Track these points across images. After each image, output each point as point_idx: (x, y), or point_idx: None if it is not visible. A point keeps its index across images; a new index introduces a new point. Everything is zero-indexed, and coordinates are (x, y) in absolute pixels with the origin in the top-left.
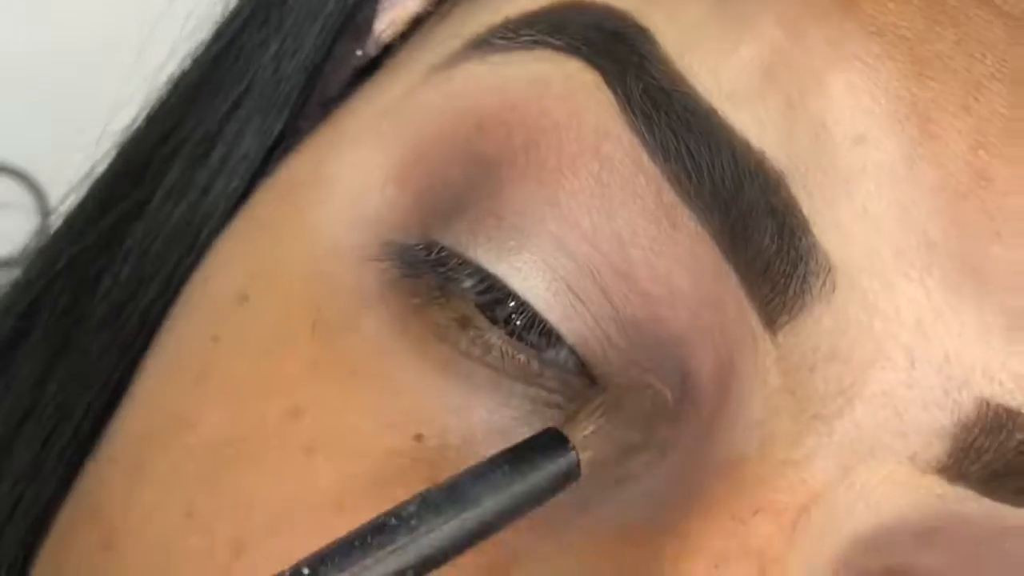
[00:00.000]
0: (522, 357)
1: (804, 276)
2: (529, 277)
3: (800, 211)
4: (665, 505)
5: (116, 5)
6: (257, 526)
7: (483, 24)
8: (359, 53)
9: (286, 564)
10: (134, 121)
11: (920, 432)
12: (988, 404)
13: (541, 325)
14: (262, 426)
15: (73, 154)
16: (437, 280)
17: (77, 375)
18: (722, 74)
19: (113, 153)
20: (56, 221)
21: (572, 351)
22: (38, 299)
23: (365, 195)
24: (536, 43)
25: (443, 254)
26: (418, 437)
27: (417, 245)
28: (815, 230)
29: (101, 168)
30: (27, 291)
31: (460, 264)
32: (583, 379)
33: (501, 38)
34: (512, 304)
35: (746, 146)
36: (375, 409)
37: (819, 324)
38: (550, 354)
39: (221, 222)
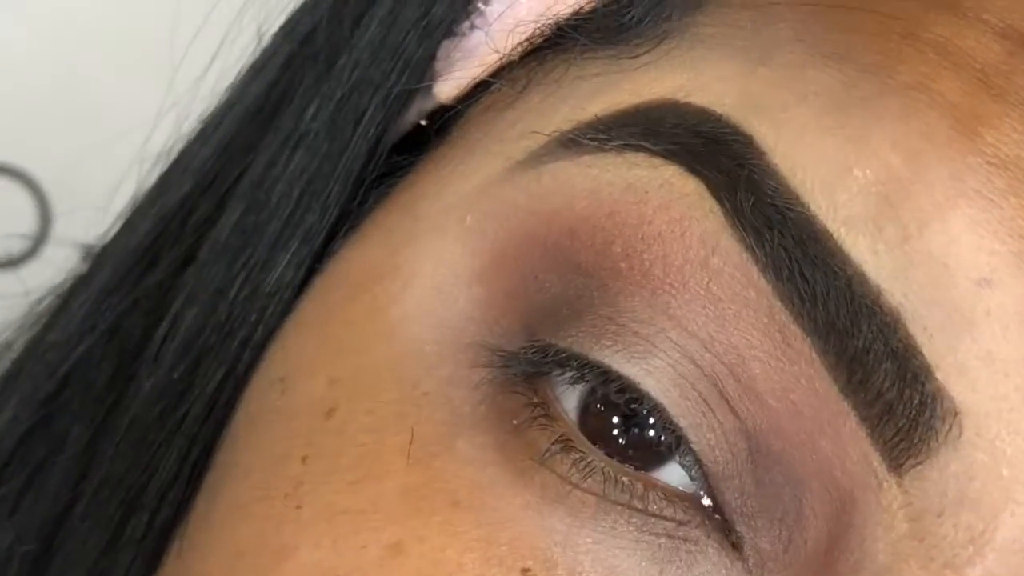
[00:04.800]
0: (626, 479)
1: (929, 421)
2: (662, 380)
3: (921, 354)
4: None
5: (116, 5)
6: None
7: (569, 120)
8: (414, 119)
9: None
10: (172, 170)
11: None
12: None
13: (666, 434)
14: (364, 562)
15: (73, 154)
16: (542, 393)
17: (132, 457)
18: (837, 196)
19: (150, 207)
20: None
21: (698, 459)
22: (73, 370)
23: (448, 294)
24: (629, 147)
25: (562, 355)
26: (525, 571)
27: (529, 349)
28: (938, 375)
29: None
30: (61, 352)
31: (584, 365)
32: (687, 504)
33: (591, 139)
34: (648, 406)
35: (862, 277)
36: (479, 544)
37: (946, 469)
38: (664, 472)
39: (286, 302)
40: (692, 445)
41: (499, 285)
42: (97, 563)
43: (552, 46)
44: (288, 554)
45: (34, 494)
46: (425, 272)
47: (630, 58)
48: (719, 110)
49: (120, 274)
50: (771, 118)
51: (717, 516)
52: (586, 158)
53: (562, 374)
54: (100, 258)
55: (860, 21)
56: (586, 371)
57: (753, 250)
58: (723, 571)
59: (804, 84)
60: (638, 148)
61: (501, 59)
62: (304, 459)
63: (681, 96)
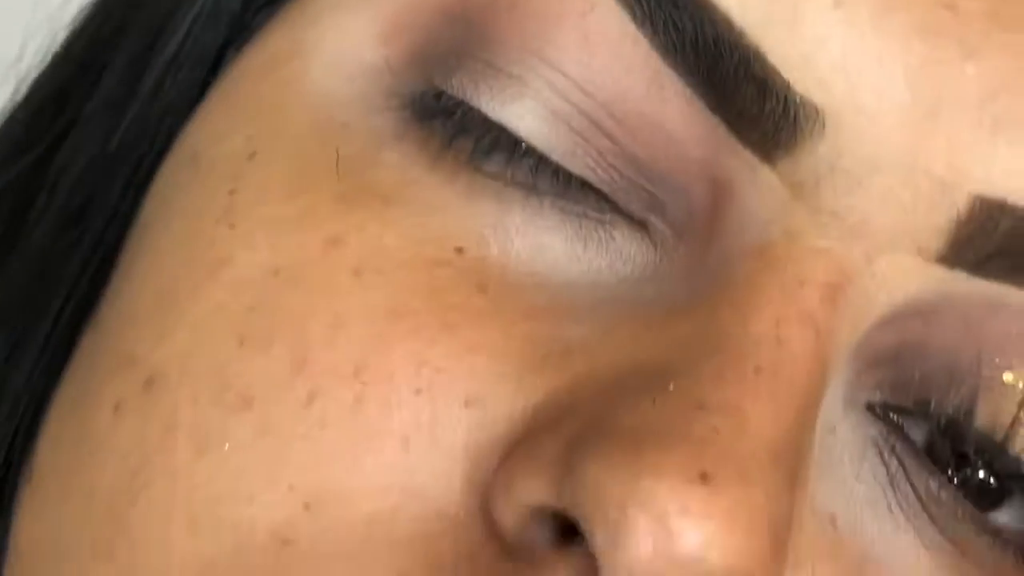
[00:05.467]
0: (548, 169)
1: (793, 123)
2: (533, 124)
3: (779, 74)
4: (703, 289)
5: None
6: (315, 341)
7: None
8: None
9: (350, 369)
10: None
11: (923, 228)
12: (978, 199)
13: (548, 164)
14: (304, 255)
15: None
16: (449, 125)
17: (32, 275)
18: None
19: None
20: None
21: (582, 184)
22: None
23: (357, 55)
24: None
25: (450, 102)
26: (458, 250)
27: (424, 92)
28: (798, 87)
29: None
30: None
31: (467, 112)
32: (601, 193)
33: None
34: (520, 148)
35: (728, 23)
36: (413, 230)
37: (815, 152)
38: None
39: (183, 116)
40: (571, 171)
41: (402, 41)
42: (5, 368)
43: None
44: (224, 264)
45: None
46: (331, 44)
47: None
48: None
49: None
50: None
51: (621, 208)
52: None
53: (454, 120)
54: None
55: None
56: (468, 118)
57: (632, 8)
58: (635, 245)
59: None
60: None
61: None
62: (232, 192)
63: None
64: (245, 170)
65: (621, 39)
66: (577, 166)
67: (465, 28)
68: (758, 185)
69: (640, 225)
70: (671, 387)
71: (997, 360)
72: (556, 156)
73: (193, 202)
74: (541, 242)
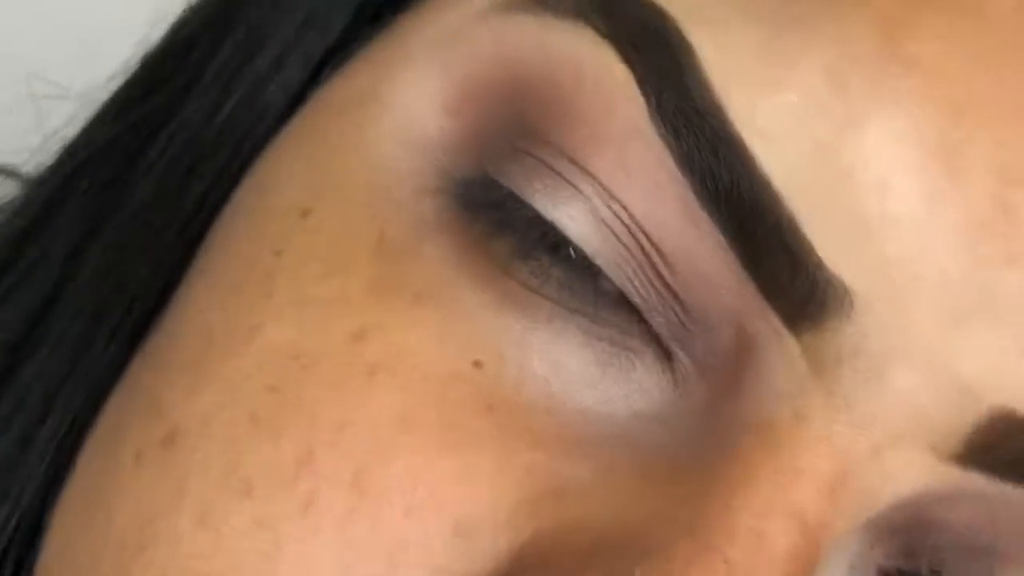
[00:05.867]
0: (579, 285)
1: (822, 300)
2: (583, 225)
3: (814, 252)
4: (705, 452)
5: (117, 5)
6: (321, 439)
7: None
8: None
9: (349, 476)
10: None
11: (939, 428)
12: (1001, 411)
13: (594, 272)
14: (327, 344)
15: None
16: (495, 217)
17: (125, 252)
18: (758, 110)
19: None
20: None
21: (621, 294)
22: (72, 176)
23: (421, 119)
24: (582, 18)
25: (501, 194)
26: (476, 363)
27: (475, 180)
28: (830, 266)
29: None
30: (59, 169)
31: (518, 206)
32: (631, 315)
33: (552, 2)
34: (567, 249)
35: (766, 184)
36: (436, 335)
37: (840, 332)
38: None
39: (276, 122)
40: (614, 281)
41: (463, 119)
42: (74, 354)
43: None
44: (255, 334)
45: (17, 294)
46: (402, 99)
47: None
48: (669, 9)
49: (115, 103)
50: (712, 30)
51: (653, 332)
52: (547, 19)
53: (492, 216)
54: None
55: None
56: (518, 212)
57: (671, 145)
58: (655, 378)
59: (747, 2)
60: (589, 23)
61: None
62: (278, 253)
63: None
64: (295, 231)
65: (659, 169)
66: (619, 276)
67: (521, 121)
68: (781, 352)
69: (664, 356)
70: (638, 571)
71: (1016, 545)
72: (600, 262)
73: (247, 249)
74: (559, 363)
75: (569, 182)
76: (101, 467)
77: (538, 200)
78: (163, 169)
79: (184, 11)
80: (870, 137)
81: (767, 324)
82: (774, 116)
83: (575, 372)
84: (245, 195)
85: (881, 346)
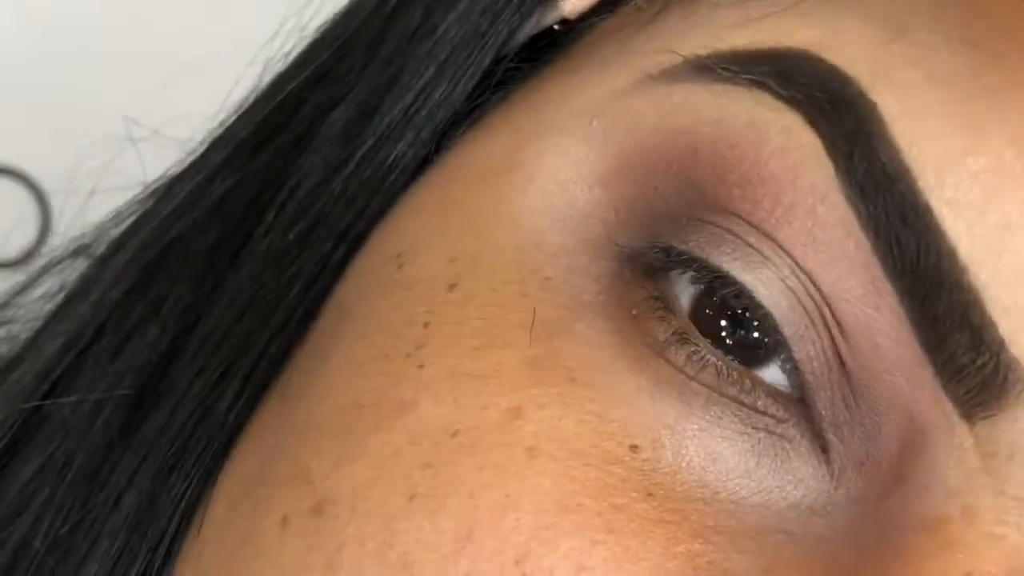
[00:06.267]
0: (736, 375)
1: (1002, 385)
2: (772, 291)
3: (996, 331)
4: (870, 549)
5: (117, 5)
6: (482, 519)
7: (706, 46)
8: (539, 22)
9: (511, 558)
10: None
11: None
12: None
13: (770, 338)
14: (484, 421)
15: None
16: (662, 289)
17: (250, 309)
18: (947, 177)
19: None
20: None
21: (796, 368)
22: (189, 228)
23: (571, 192)
24: (759, 85)
25: (684, 257)
26: (633, 448)
27: (648, 249)
28: (1012, 349)
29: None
30: (167, 221)
31: (704, 267)
32: (788, 403)
33: (724, 69)
34: (759, 313)
35: (953, 256)
36: (592, 417)
37: (1016, 423)
38: (764, 373)
39: (404, 181)
40: (793, 353)
41: (620, 190)
42: (195, 412)
43: None
44: (409, 408)
45: (133, 347)
46: (549, 168)
47: None
48: (850, 72)
49: (231, 151)
50: (898, 92)
51: (811, 420)
52: (717, 86)
53: (683, 272)
54: (213, 143)
55: (996, 4)
56: (706, 272)
57: (858, 209)
58: (811, 470)
59: (934, 65)
60: (767, 88)
61: None
62: (426, 324)
63: (817, 50)
64: (443, 303)
65: (846, 237)
66: (799, 349)
67: (697, 193)
68: (953, 444)
69: (821, 448)
70: None
71: None
72: (787, 331)
73: (391, 317)
74: (715, 452)
75: (756, 249)
76: (242, 528)
77: (727, 262)
78: (285, 225)
79: (301, 57)
80: None
81: (940, 412)
82: (962, 185)
83: (730, 461)
84: (380, 262)
85: None
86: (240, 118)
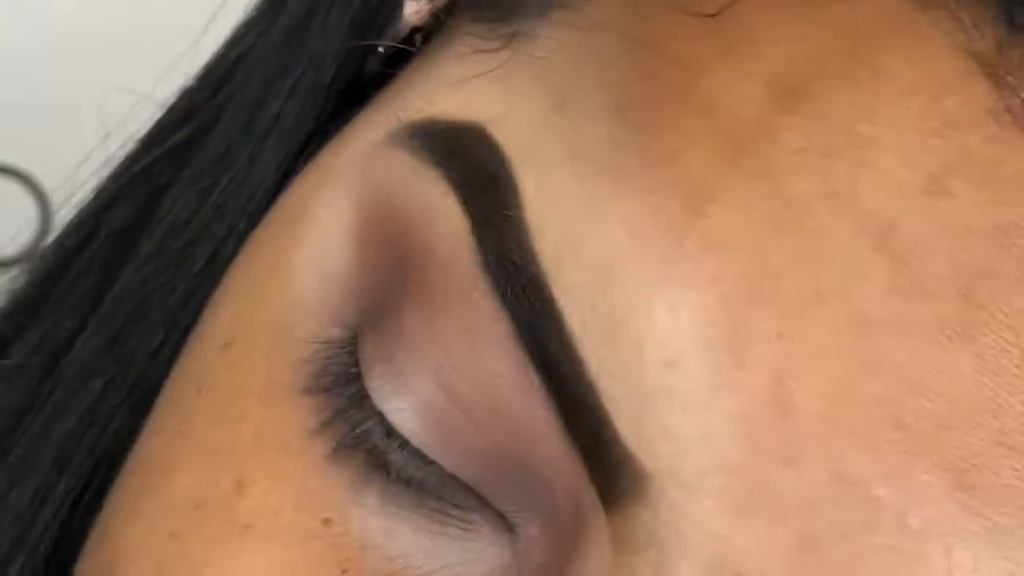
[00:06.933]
0: (418, 474)
1: (620, 479)
2: (409, 420)
3: (610, 423)
4: None
5: (117, 5)
6: None
7: (420, 110)
8: (380, 50)
9: None
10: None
11: None
12: None
13: (423, 458)
14: (217, 495)
15: (73, 154)
16: (337, 401)
17: (129, 321)
18: (566, 265)
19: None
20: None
21: (452, 478)
22: (100, 215)
23: (333, 245)
24: (437, 163)
25: (355, 371)
26: (326, 522)
27: (343, 349)
28: (626, 442)
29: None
30: (91, 204)
31: (358, 391)
32: (470, 494)
33: (420, 142)
34: (393, 443)
35: (570, 347)
36: (295, 491)
37: (637, 517)
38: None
39: (260, 204)
40: (445, 466)
41: (360, 253)
42: (87, 410)
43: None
44: (170, 475)
45: (48, 324)
46: (322, 220)
47: (486, 52)
48: (508, 152)
49: (149, 135)
50: (540, 173)
51: (493, 506)
52: (413, 160)
53: (339, 396)
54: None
55: (653, 67)
56: (353, 400)
57: (500, 290)
58: (495, 548)
59: (580, 141)
60: (439, 167)
61: None
62: (198, 389)
63: (491, 125)
64: (216, 365)
65: (495, 323)
66: (450, 462)
67: (398, 272)
68: (597, 531)
69: (507, 527)
70: None
71: None
72: (430, 452)
73: (180, 377)
74: (392, 529)
75: (400, 369)
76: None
77: (374, 388)
78: (161, 234)
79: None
80: (661, 311)
81: (589, 496)
82: (578, 271)
83: (407, 539)
84: (207, 306)
85: (671, 538)
86: (164, 114)
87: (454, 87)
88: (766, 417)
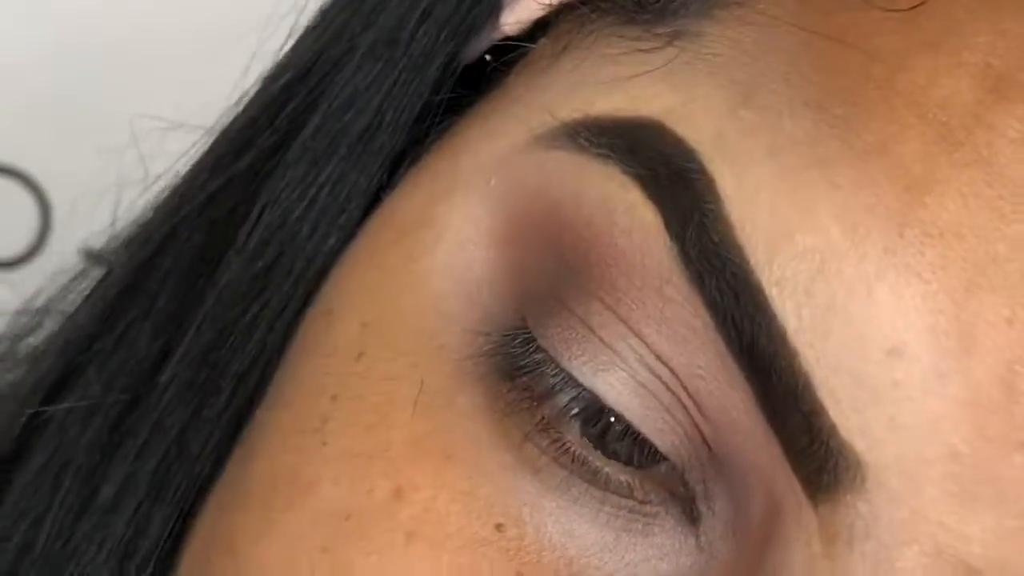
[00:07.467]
0: (596, 463)
1: (835, 469)
2: (623, 394)
3: (827, 416)
4: None
5: (118, 5)
6: None
7: (578, 109)
8: (483, 48)
9: None
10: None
11: None
12: None
13: (634, 436)
14: (371, 503)
15: (74, 155)
16: (528, 383)
17: (222, 339)
18: (775, 257)
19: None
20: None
21: (666, 460)
22: (167, 239)
23: (472, 251)
24: (610, 159)
25: (540, 357)
26: (499, 527)
27: (515, 336)
28: (842, 432)
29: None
30: (158, 222)
31: (556, 373)
32: (651, 483)
33: (586, 139)
34: (609, 419)
35: (783, 338)
36: (463, 496)
37: (853, 508)
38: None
39: (355, 216)
40: (656, 446)
41: (509, 254)
42: (178, 436)
43: (594, 6)
44: (313, 488)
45: (123, 353)
46: (454, 226)
47: (645, 52)
48: (694, 145)
49: (216, 153)
50: (736, 167)
51: (683, 491)
52: (580, 157)
53: (535, 376)
54: (211, 143)
55: (845, 60)
56: (557, 373)
57: (698, 288)
58: (678, 543)
59: (774, 135)
60: (616, 163)
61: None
62: (334, 398)
63: (668, 120)
64: (349, 374)
65: (693, 316)
66: (662, 440)
67: (567, 270)
68: (799, 524)
69: (690, 519)
70: None
71: None
72: (646, 430)
73: (309, 385)
74: (572, 529)
75: (608, 345)
76: None
77: (576, 366)
78: (252, 250)
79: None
80: (884, 300)
81: (791, 490)
82: (790, 264)
83: (589, 538)
84: (315, 317)
85: (891, 527)
86: (233, 119)
87: (614, 86)
88: (995, 403)
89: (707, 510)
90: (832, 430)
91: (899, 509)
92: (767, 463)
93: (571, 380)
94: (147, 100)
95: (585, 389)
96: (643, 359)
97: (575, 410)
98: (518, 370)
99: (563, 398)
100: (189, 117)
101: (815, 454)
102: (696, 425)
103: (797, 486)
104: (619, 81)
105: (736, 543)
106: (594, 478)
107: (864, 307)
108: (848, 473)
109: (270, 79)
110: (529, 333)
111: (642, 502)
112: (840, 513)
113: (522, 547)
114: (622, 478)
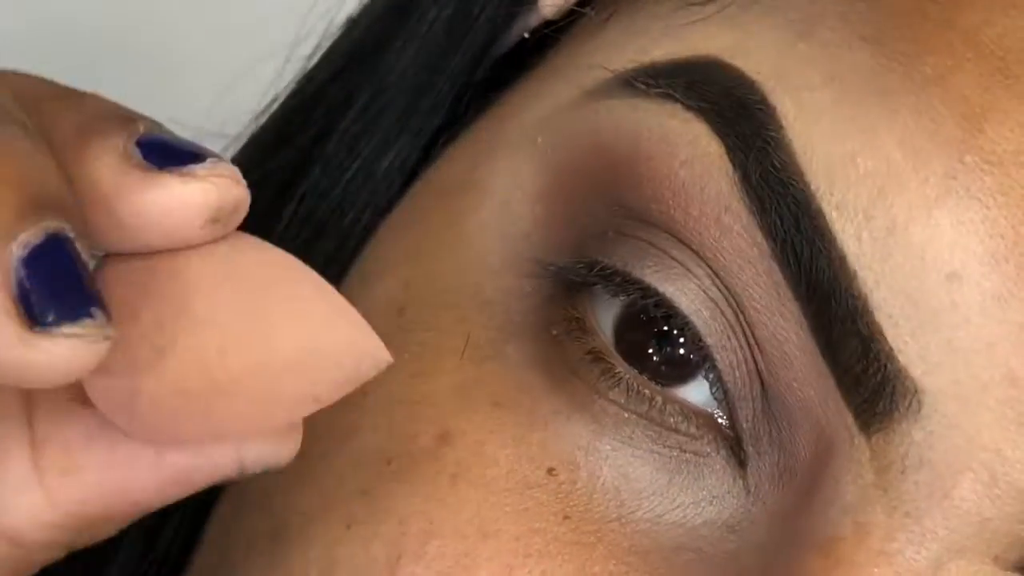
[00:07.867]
0: (647, 392)
1: (891, 396)
2: (694, 301)
3: (885, 339)
4: (772, 567)
5: (118, 5)
6: (408, 546)
7: (632, 60)
8: (520, 32)
9: None
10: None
11: (1002, 539)
12: None
13: (695, 351)
14: (414, 447)
15: None
16: (581, 308)
17: None
18: (837, 181)
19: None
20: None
21: (720, 379)
22: None
23: (517, 208)
24: (669, 97)
25: (608, 271)
26: (551, 471)
27: (577, 264)
28: (900, 357)
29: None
30: None
31: (627, 282)
32: (703, 420)
33: (642, 83)
34: (681, 324)
35: (843, 261)
36: (513, 442)
37: (907, 436)
38: (689, 389)
39: (392, 191)
40: (716, 363)
41: (557, 207)
42: None
43: None
44: (352, 435)
45: None
46: (500, 187)
47: (697, 4)
48: (754, 77)
49: (256, 147)
50: (796, 95)
51: (730, 432)
52: (635, 101)
53: (605, 286)
54: (248, 139)
55: (906, 1)
56: (627, 286)
57: (757, 215)
58: (726, 485)
59: (834, 66)
60: (676, 100)
61: None
62: None
63: (727, 56)
64: (391, 329)
65: (750, 246)
66: (722, 358)
67: (621, 208)
68: (852, 458)
69: (738, 462)
70: None
71: None
72: (710, 341)
73: None
74: (627, 472)
75: (678, 261)
76: (220, 544)
77: (648, 275)
78: (296, 228)
79: (312, 69)
80: (944, 223)
81: (842, 424)
82: (851, 188)
83: (643, 480)
84: (356, 279)
85: (947, 455)
86: (269, 117)
87: (667, 35)
88: None
89: (754, 451)
90: (890, 354)
91: (955, 436)
92: (817, 398)
93: (640, 286)
94: (147, 100)
95: (657, 294)
96: (712, 277)
97: (642, 318)
98: (570, 294)
99: (622, 302)
100: (189, 116)
101: (870, 381)
102: (752, 354)
103: (849, 418)
104: (672, 29)
105: (783, 487)
106: (647, 409)
107: (924, 230)
108: (904, 400)
109: (305, 80)
110: (591, 259)
111: (694, 438)
112: (894, 442)
113: (573, 491)
114: (673, 409)
